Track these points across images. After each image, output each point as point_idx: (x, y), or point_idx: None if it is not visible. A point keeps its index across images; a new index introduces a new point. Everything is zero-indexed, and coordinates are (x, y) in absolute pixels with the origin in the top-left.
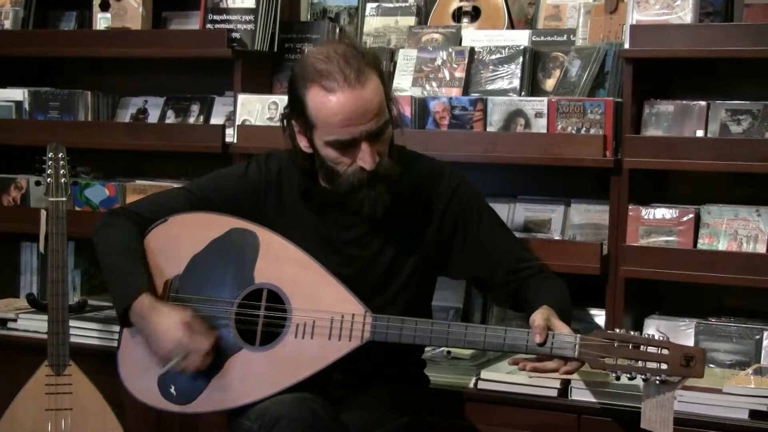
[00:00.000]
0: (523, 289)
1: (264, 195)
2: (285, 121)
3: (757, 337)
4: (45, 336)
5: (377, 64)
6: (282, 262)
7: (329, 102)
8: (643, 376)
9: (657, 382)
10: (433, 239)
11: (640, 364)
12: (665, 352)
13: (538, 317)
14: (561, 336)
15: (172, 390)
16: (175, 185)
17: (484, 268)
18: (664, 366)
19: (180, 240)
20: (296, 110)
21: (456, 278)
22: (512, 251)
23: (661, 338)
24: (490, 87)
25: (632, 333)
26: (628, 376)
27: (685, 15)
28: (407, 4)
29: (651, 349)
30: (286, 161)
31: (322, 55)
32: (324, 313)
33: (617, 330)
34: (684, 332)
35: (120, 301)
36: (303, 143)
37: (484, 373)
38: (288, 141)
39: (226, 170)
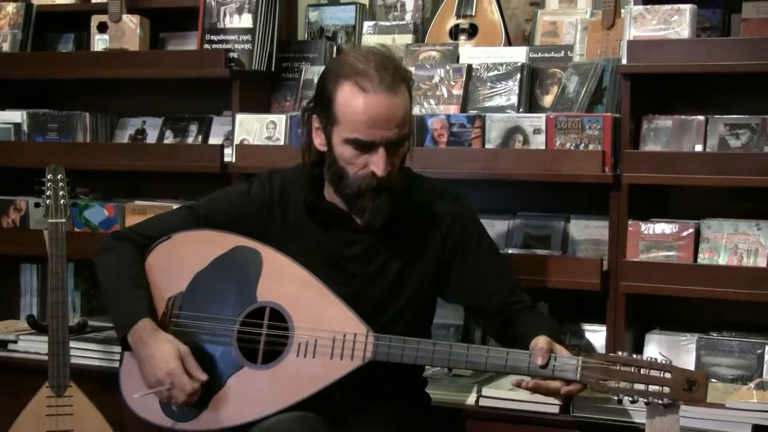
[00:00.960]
0: (515, 321)
1: (268, 213)
2: (305, 116)
3: (759, 351)
4: (45, 357)
5: (408, 80)
6: (284, 281)
7: (360, 100)
8: (645, 400)
9: (661, 406)
10: (433, 261)
11: (642, 387)
12: (668, 375)
13: (541, 340)
14: (563, 359)
15: (174, 407)
16: (174, 205)
17: (479, 296)
18: (666, 389)
19: (183, 257)
20: (321, 104)
21: (450, 302)
22: (507, 283)
23: (663, 361)
24: (488, 104)
25: (635, 356)
26: (630, 399)
27: (683, 30)
28: (404, 22)
29: (653, 373)
30: (289, 178)
31: (361, 56)
32: (326, 332)
33: (619, 353)
34: (685, 347)
35: (121, 325)
36: (318, 140)
37: (486, 390)
38: (303, 136)
39: (229, 189)
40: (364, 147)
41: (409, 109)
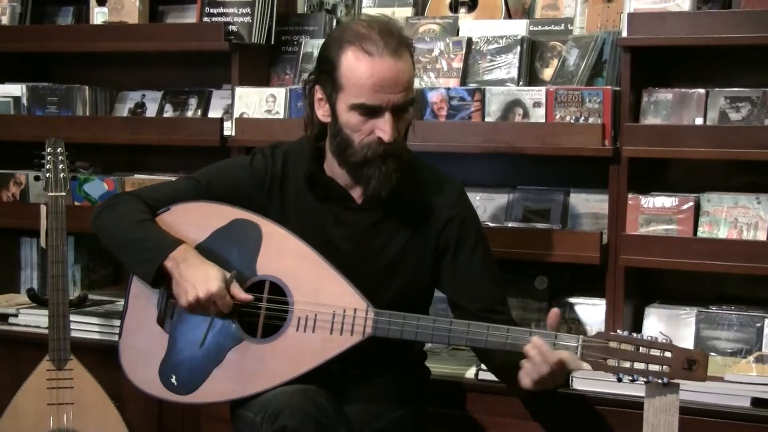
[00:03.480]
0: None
1: (268, 187)
2: (306, 88)
3: (758, 324)
4: (46, 331)
5: (411, 47)
6: (284, 255)
7: (365, 64)
8: (644, 379)
9: (661, 385)
10: (428, 252)
11: (642, 366)
12: (668, 354)
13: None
14: (564, 336)
15: (173, 380)
16: (174, 179)
17: (462, 296)
18: (666, 369)
19: (183, 229)
20: (325, 72)
21: (440, 291)
22: (493, 291)
23: (663, 340)
24: (487, 77)
25: (635, 335)
26: (630, 378)
27: (683, 2)
28: None
29: (653, 352)
30: (291, 153)
31: (364, 23)
32: (326, 307)
33: (619, 331)
34: (685, 321)
35: (154, 255)
36: (321, 111)
37: None
38: (306, 108)
39: (231, 160)
40: (371, 112)
41: (413, 75)
